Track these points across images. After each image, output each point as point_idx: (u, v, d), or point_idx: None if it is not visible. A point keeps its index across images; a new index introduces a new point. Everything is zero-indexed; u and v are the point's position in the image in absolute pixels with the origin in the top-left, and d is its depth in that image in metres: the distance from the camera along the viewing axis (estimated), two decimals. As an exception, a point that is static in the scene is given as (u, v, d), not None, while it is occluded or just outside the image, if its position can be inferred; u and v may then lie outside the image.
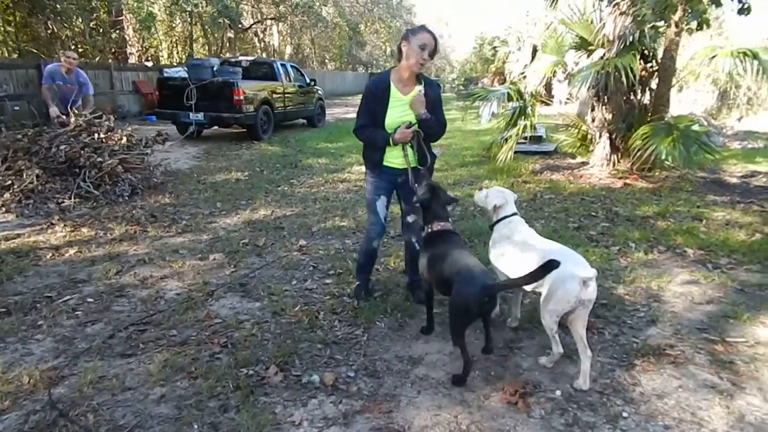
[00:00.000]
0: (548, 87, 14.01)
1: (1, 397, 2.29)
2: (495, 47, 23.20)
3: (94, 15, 15.36)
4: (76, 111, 6.65)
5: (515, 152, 8.26)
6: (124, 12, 16.01)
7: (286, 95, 12.34)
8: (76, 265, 3.89)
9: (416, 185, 2.92)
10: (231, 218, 5.23)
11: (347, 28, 26.67)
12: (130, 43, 20.15)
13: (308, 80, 13.65)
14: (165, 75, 12.47)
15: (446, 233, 2.75)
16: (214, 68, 10.49)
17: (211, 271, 3.85)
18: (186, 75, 10.67)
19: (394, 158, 3.06)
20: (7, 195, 5.52)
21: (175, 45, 24.51)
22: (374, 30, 33.71)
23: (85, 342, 2.81)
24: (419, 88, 2.93)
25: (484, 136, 11.01)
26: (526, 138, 8.20)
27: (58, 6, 14.73)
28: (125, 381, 2.45)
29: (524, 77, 8.84)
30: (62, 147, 6.04)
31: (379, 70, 44.68)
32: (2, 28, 16.14)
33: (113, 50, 18.27)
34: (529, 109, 7.52)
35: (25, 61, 13.90)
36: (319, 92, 14.59)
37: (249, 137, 11.04)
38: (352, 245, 4.43)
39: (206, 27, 19.98)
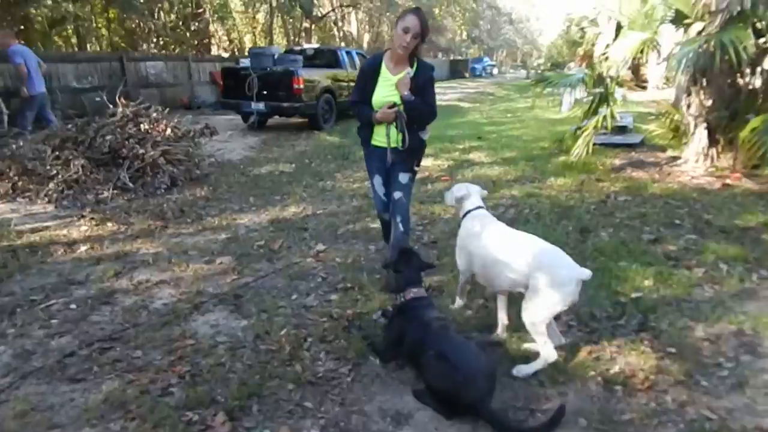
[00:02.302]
0: (636, 70, 12.50)
1: None
2: (583, 28, 21.34)
3: (175, 9, 15.93)
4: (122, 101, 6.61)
5: (594, 144, 7.28)
6: (203, 5, 16.41)
7: (350, 83, 11.93)
8: (80, 264, 3.69)
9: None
10: (258, 215, 4.88)
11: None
12: (212, 34, 20.84)
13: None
14: (240, 65, 12.53)
15: (424, 302, 2.45)
16: (275, 57, 10.29)
17: (212, 277, 3.48)
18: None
19: (381, 137, 3.11)
20: (51, 185, 5.55)
21: (257, 35, 25.09)
22: (449, 13, 32.43)
23: (42, 359, 2.51)
24: (408, 70, 2.96)
25: (562, 126, 9.92)
26: (607, 128, 7.16)
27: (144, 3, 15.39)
28: (54, 417, 2.10)
29: (606, 59, 7.75)
30: (108, 137, 6.02)
31: (459, 57, 43.50)
32: (98, 25, 17.19)
33: (196, 42, 18.95)
34: (612, 95, 6.49)
35: (108, 54, 14.64)
36: (388, 80, 14.05)
37: (310, 127, 10.80)
38: (374, 252, 3.88)
39: (284, 17, 20.13)
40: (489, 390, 2.05)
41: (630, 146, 7.85)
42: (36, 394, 2.24)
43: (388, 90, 3.01)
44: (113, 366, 2.45)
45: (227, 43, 23.39)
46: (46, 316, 2.92)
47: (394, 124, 3.02)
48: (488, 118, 13.20)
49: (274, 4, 17.88)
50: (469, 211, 2.81)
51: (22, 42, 10.14)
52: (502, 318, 2.68)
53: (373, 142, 3.20)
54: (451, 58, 42.24)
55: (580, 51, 19.80)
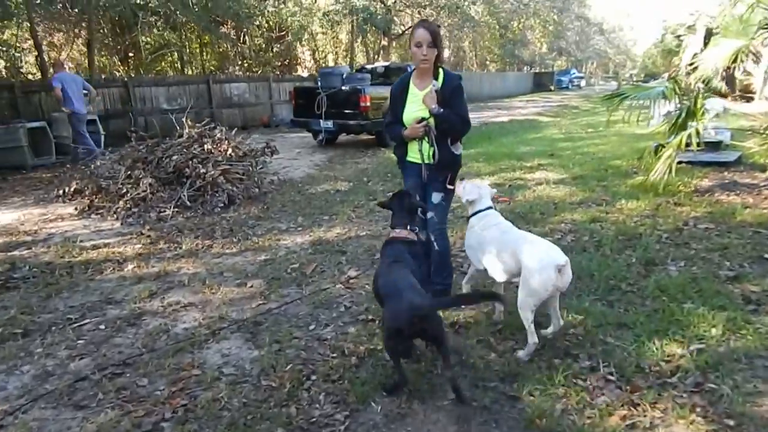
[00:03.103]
0: (731, 79, 11.20)
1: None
2: (679, 36, 19.71)
3: (260, 33, 16.78)
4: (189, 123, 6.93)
5: (680, 162, 6.59)
6: (284, 28, 17.15)
7: (420, 100, 11.82)
8: (123, 283, 3.82)
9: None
10: (302, 236, 4.84)
11: (497, 27, 25.18)
12: (296, 55, 21.73)
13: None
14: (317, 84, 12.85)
15: (397, 242, 2.67)
16: (344, 76, 10.43)
17: (239, 301, 3.44)
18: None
19: (415, 152, 3.07)
20: (121, 203, 5.91)
21: (339, 54, 25.85)
22: (528, 27, 31.40)
23: (58, 381, 2.57)
24: (434, 83, 2.92)
25: (646, 142, 9.09)
26: (698, 144, 6.39)
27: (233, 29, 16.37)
28: (47, 446, 2.10)
29: (694, 69, 6.97)
30: (174, 157, 6.33)
31: (544, 70, 42.02)
32: (193, 51, 18.52)
33: (279, 63, 19.85)
34: (700, 110, 5.78)
35: (196, 77, 15.65)
36: (461, 95, 13.77)
37: (377, 144, 10.82)
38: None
39: (363, 36, 20.56)
40: (434, 327, 2.20)
41: (723, 165, 7.00)
42: (39, 419, 2.28)
43: (416, 106, 2.99)
44: (117, 394, 2.44)
45: (311, 62, 24.28)
46: (74, 336, 3.02)
47: (425, 139, 2.98)
48: (566, 134, 12.48)
49: (355, 24, 18.28)
50: (478, 211, 2.92)
51: (72, 70, 11.11)
52: (499, 306, 3.00)
53: (408, 158, 3.17)
54: (536, 70, 40.99)
55: (676, 60, 18.31)
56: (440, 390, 2.36)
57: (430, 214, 3.15)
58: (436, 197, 3.09)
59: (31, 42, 14.00)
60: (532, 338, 2.51)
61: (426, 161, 3.03)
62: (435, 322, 2.22)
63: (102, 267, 4.15)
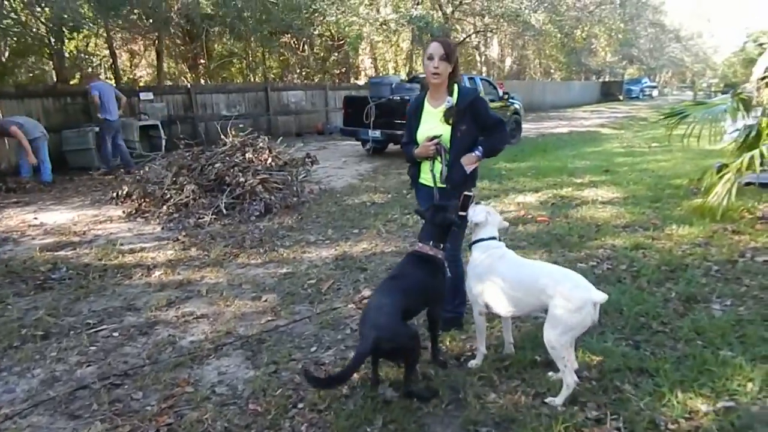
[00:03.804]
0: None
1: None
2: (762, 44, 18.20)
3: (320, 42, 17.14)
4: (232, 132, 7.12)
5: (749, 184, 6.07)
6: (342, 37, 17.42)
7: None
8: (147, 290, 3.94)
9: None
10: (328, 250, 4.81)
11: (559, 35, 24.24)
12: (356, 63, 22.02)
13: (501, 94, 12.65)
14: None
15: (415, 257, 2.62)
16: (393, 86, 10.40)
17: (249, 316, 3.45)
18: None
19: (427, 174, 2.96)
20: (164, 208, 6.15)
21: (399, 62, 25.95)
22: (593, 35, 30.04)
23: (62, 388, 2.65)
24: (448, 100, 2.83)
25: (714, 159, 8.44)
26: (754, 169, 5.80)
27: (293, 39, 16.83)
28: (31, 455, 2.15)
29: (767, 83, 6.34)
30: (217, 165, 6.52)
31: (614, 79, 40.21)
32: (255, 60, 19.19)
33: (338, 72, 20.19)
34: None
35: (255, 85, 16.15)
36: (515, 106, 13.41)
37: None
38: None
39: (422, 44, 20.50)
40: (370, 344, 2.16)
41: (798, 189, 6.33)
42: (34, 426, 2.35)
43: (431, 124, 2.89)
44: (111, 406, 2.48)
45: (372, 71, 24.51)
46: (88, 342, 3.12)
47: (437, 159, 2.87)
48: (627, 148, 11.82)
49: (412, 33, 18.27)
50: (480, 240, 2.70)
51: (103, 79, 11.72)
52: (508, 338, 2.82)
53: (421, 180, 3.05)
54: (604, 79, 39.30)
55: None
56: (429, 430, 2.22)
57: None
58: None
59: (107, 50, 14.98)
60: (571, 377, 2.31)
61: (438, 184, 2.91)
62: (400, 346, 2.23)
63: (132, 272, 4.30)
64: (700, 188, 6.42)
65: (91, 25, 12.25)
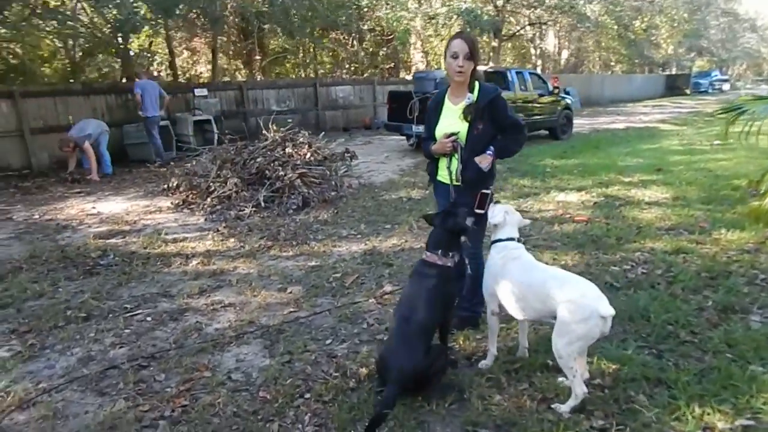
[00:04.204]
0: None
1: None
2: None
3: (368, 37, 17.24)
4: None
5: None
6: (391, 32, 17.44)
7: (517, 105, 11.34)
8: (183, 278, 4.15)
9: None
10: (358, 244, 4.88)
11: (616, 26, 23.05)
12: (407, 58, 22.00)
13: (551, 88, 12.29)
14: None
15: (426, 267, 2.57)
16: (437, 80, 10.32)
17: (273, 306, 3.57)
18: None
19: (444, 170, 2.95)
20: (209, 200, 6.42)
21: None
22: (653, 25, 28.37)
23: (96, 366, 2.86)
24: (468, 96, 2.79)
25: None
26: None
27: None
28: (59, 428, 2.34)
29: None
30: (258, 159, 6.73)
31: (681, 72, 38.02)
32: (306, 55, 19.55)
33: (388, 66, 20.25)
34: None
35: (304, 80, 16.46)
36: (567, 100, 13.00)
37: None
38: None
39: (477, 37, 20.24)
40: (394, 376, 2.26)
41: None
42: (66, 400, 2.55)
43: (450, 120, 2.87)
44: (135, 386, 2.65)
45: (424, 65, 24.41)
46: (123, 325, 3.33)
47: (454, 155, 2.86)
48: (686, 145, 11.19)
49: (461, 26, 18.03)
50: (499, 240, 2.67)
51: (152, 77, 12.14)
52: (523, 341, 2.77)
53: (438, 177, 3.05)
54: (668, 72, 37.23)
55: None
56: (429, 429, 2.24)
57: (462, 238, 3.01)
58: (467, 220, 2.93)
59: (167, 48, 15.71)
60: (580, 388, 2.26)
61: (454, 182, 2.91)
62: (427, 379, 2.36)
63: (171, 260, 4.54)
64: (759, 190, 6.04)
65: (151, 24, 12.88)
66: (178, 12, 12.09)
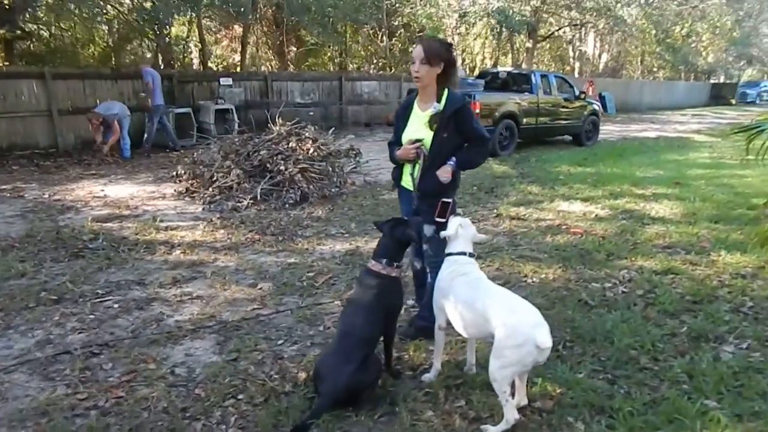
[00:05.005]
0: None
1: None
2: None
3: (398, 33, 17.12)
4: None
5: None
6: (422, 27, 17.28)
7: (540, 109, 11.10)
8: (161, 267, 4.21)
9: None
10: (342, 244, 4.85)
11: (654, 31, 22.09)
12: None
13: (577, 92, 11.95)
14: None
15: (369, 277, 2.54)
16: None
17: (239, 302, 3.58)
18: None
19: (407, 177, 2.92)
20: (210, 189, 6.51)
21: (486, 56, 25.34)
22: (693, 32, 27.09)
23: (49, 350, 2.92)
24: (435, 105, 2.74)
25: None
26: None
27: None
28: (-4, 408, 2.40)
29: None
30: (262, 152, 6.78)
31: (729, 81, 36.42)
32: (334, 49, 19.59)
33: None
34: None
35: (330, 74, 16.48)
36: (594, 106, 12.62)
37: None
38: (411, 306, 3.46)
39: (497, 38, 19.87)
40: (327, 388, 2.29)
41: None
42: (12, 382, 2.62)
43: (416, 127, 2.84)
44: (81, 373, 2.70)
45: (458, 63, 24.15)
46: (89, 311, 3.40)
47: (418, 163, 2.80)
48: (715, 158, 10.72)
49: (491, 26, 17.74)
50: (450, 254, 2.59)
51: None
52: (470, 358, 2.70)
53: (402, 183, 3.02)
54: (714, 81, 35.72)
55: None
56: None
57: (425, 246, 2.94)
58: (427, 229, 2.85)
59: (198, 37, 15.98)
60: (512, 414, 2.17)
61: (416, 189, 2.85)
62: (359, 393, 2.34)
63: (157, 248, 4.61)
64: (775, 211, 5.73)
65: (184, 12, 13.12)
66: (206, 2, 12.27)
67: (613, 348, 2.93)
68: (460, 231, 2.61)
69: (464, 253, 2.57)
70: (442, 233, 2.65)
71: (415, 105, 2.90)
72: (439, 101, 2.76)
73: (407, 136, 2.86)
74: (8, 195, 6.66)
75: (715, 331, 3.15)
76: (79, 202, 6.35)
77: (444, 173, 2.73)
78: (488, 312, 2.25)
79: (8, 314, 3.33)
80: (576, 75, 26.80)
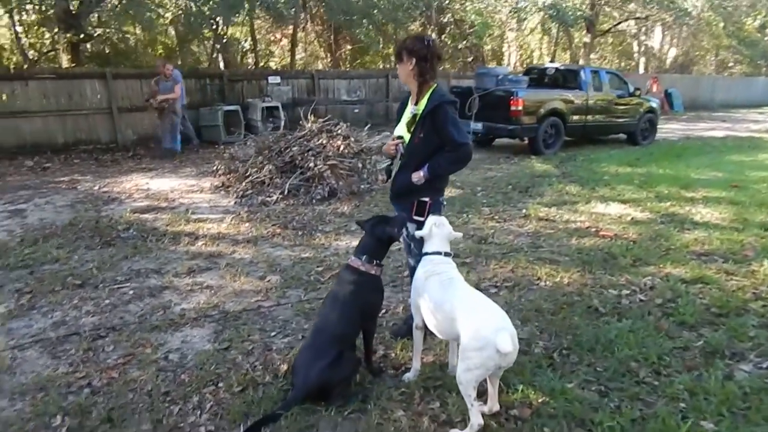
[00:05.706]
0: None
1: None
2: None
3: (448, 29, 16.93)
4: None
5: None
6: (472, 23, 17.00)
7: (589, 106, 10.63)
8: (182, 257, 4.38)
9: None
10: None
11: (722, 23, 20.40)
12: (485, 49, 21.38)
13: (632, 89, 11.35)
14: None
15: (348, 273, 2.55)
16: (499, 77, 9.94)
17: (245, 294, 3.67)
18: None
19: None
20: (243, 184, 6.71)
21: (543, 51, 24.61)
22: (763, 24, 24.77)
23: (62, 331, 3.12)
24: (413, 108, 2.73)
25: None
26: None
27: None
28: (5, 384, 2.59)
29: None
30: (294, 148, 6.91)
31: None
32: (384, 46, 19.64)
33: (470, 59, 19.82)
34: None
35: (377, 71, 16.52)
36: (651, 103, 11.95)
37: (529, 150, 10.12)
38: (397, 303, 3.43)
39: (547, 33, 19.18)
40: (299, 382, 2.34)
41: None
42: (22, 358, 2.82)
43: (401, 123, 2.85)
44: (84, 354, 2.87)
45: (516, 58, 23.60)
46: (106, 296, 3.60)
47: (399, 159, 2.80)
48: (785, 160, 9.87)
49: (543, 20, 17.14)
50: (426, 253, 2.53)
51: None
52: (452, 360, 2.61)
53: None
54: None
55: None
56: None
57: (411, 244, 2.91)
58: (410, 227, 2.82)
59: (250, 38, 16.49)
60: (476, 419, 2.12)
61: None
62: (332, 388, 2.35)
63: (182, 239, 4.81)
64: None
65: (240, 11, 13.59)
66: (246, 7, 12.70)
67: (613, 358, 2.77)
68: (435, 230, 2.54)
69: (440, 253, 2.51)
70: (417, 233, 2.60)
71: (409, 101, 2.87)
72: (423, 98, 2.70)
73: (395, 131, 2.87)
74: (64, 186, 7.16)
75: (734, 347, 2.90)
76: (124, 194, 6.73)
77: (416, 175, 2.66)
78: (455, 313, 2.21)
79: (35, 296, 3.58)
80: (641, 71, 25.46)
